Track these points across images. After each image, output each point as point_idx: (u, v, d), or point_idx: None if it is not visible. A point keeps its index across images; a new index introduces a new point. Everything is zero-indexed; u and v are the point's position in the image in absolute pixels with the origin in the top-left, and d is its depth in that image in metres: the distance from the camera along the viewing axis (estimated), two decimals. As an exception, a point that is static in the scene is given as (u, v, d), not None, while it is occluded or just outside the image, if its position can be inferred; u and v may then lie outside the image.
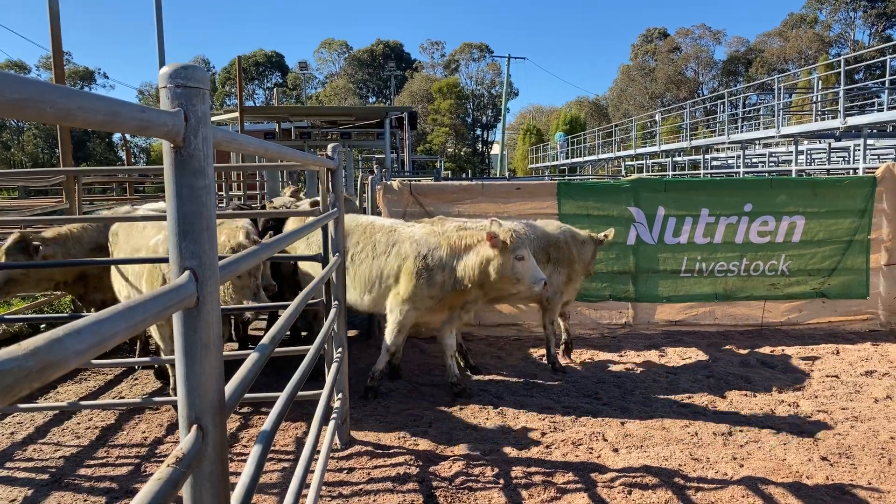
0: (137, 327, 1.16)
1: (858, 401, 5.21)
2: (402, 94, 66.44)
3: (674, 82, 66.34)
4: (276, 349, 4.51)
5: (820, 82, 19.80)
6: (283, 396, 2.62)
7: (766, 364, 6.23)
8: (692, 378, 5.87)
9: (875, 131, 14.34)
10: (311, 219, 4.29)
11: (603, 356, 6.65)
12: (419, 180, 10.65)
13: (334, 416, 4.20)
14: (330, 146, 4.30)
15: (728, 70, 67.04)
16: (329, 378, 4.10)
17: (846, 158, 21.21)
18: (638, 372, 6.08)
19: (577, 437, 4.50)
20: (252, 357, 2.05)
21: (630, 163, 31.99)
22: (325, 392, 3.86)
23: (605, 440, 4.50)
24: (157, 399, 5.11)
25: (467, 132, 70.36)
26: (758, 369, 6.11)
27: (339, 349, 4.35)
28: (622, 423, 4.83)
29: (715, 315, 7.57)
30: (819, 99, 18.35)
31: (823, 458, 4.15)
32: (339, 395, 4.38)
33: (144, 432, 4.69)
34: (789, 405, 5.16)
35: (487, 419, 4.92)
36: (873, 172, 7.78)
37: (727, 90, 24.47)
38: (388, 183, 7.45)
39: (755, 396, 5.37)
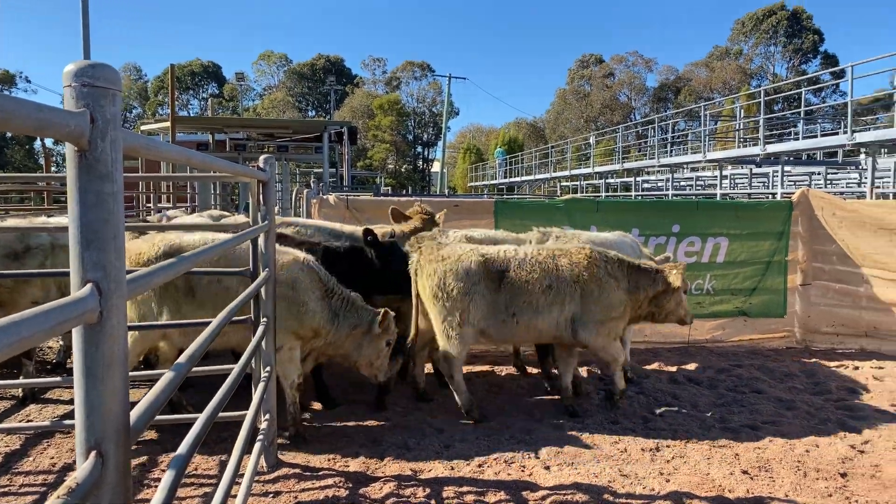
0: (23, 344, 1.05)
1: (780, 416, 5.42)
2: (343, 109, 66.06)
3: (608, 107, 68.67)
4: (205, 368, 4.36)
5: (742, 111, 20.91)
6: (202, 418, 2.49)
7: (692, 381, 6.41)
8: (628, 395, 5.97)
9: (791, 158, 15.24)
10: (223, 236, 4.17)
11: (535, 374, 6.69)
12: (358, 195, 10.56)
13: (261, 437, 4.04)
14: (262, 157, 4.18)
15: (658, 97, 69.97)
16: (255, 398, 3.94)
17: (765, 184, 22.41)
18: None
19: (510, 456, 4.49)
20: (165, 378, 1.93)
21: (565, 183, 32.79)
22: (250, 413, 3.71)
23: (538, 458, 4.51)
24: (67, 422, 4.79)
25: (408, 149, 70.57)
26: (685, 385, 6.28)
27: (268, 367, 4.20)
28: (554, 441, 4.85)
29: (644, 333, 7.76)
30: (742, 127, 19.35)
31: (744, 472, 4.28)
32: (267, 416, 4.21)
33: (53, 458, 4.38)
34: (715, 420, 5.32)
35: (423, 437, 4.85)
36: (790, 197, 8.21)
37: (657, 116, 25.50)
38: (325, 197, 7.34)
39: (682, 412, 5.51)
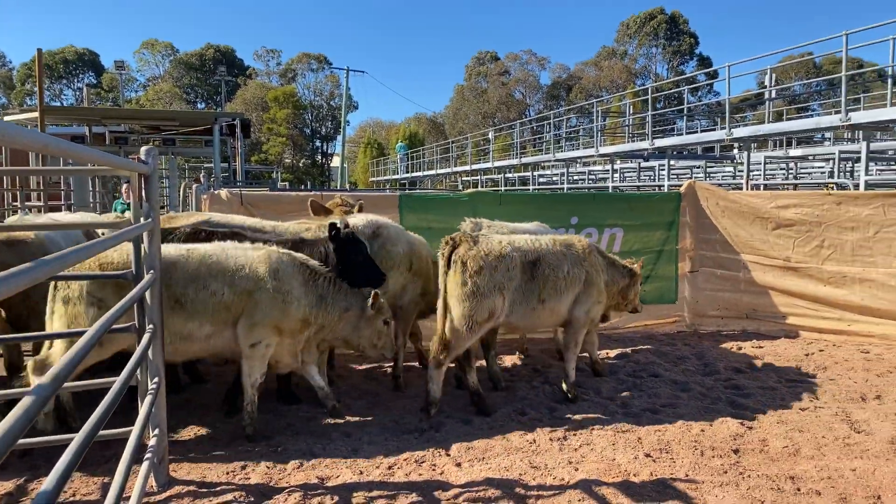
0: None
1: (676, 398, 5.66)
2: (235, 102, 63.25)
3: (504, 103, 70.21)
4: (81, 383, 3.92)
5: (631, 108, 22.00)
6: (77, 440, 2.20)
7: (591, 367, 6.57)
8: (529, 385, 6.03)
9: (676, 153, 16.19)
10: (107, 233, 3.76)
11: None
12: (253, 191, 10.05)
13: (149, 454, 3.69)
14: (144, 149, 3.81)
15: (552, 94, 72.37)
16: (142, 412, 3.59)
17: (651, 177, 23.71)
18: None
19: (420, 455, 4.39)
20: (25, 402, 1.65)
21: (466, 178, 33.17)
22: (136, 428, 3.37)
23: (448, 455, 4.43)
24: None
25: (306, 143, 68.77)
26: (587, 373, 6.43)
27: (155, 379, 3.84)
28: (464, 436, 4.80)
29: (547, 323, 7.90)
30: (630, 123, 20.35)
31: (647, 455, 4.41)
32: (156, 431, 3.86)
33: None
34: (617, 406, 5.47)
35: (329, 442, 4.64)
36: (678, 189, 8.65)
37: (553, 112, 26.30)
38: (216, 193, 6.89)
39: (586, 400, 5.63)
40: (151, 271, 3.78)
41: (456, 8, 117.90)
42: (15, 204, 13.08)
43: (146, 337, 3.71)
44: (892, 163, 18.92)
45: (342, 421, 5.09)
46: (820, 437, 4.69)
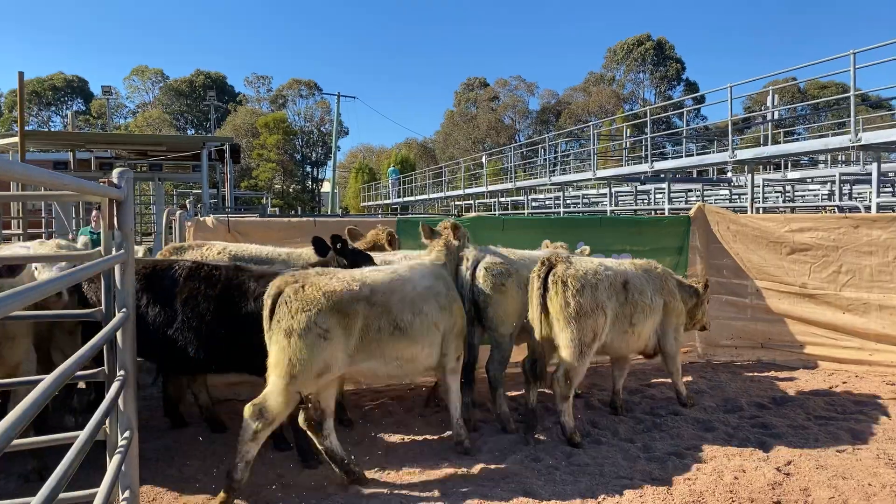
0: None
1: (701, 439, 5.21)
2: (225, 128, 62.99)
3: (494, 128, 70.40)
4: (47, 437, 3.43)
5: (629, 130, 21.86)
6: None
7: (608, 404, 6.13)
8: (541, 426, 5.56)
9: (675, 176, 15.94)
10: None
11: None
12: (242, 217, 9.63)
13: (119, 521, 3.20)
14: (116, 171, 3.37)
15: (541, 119, 72.72)
16: (110, 471, 3.10)
17: (647, 201, 23.48)
18: (487, 426, 5.64)
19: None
20: None
21: (458, 202, 32.87)
22: (101, 492, 2.89)
23: (459, 512, 3.96)
24: None
25: (296, 169, 68.45)
26: (602, 411, 6.00)
27: (127, 432, 3.36)
28: (476, 488, 4.32)
29: (554, 355, 7.46)
30: (627, 146, 20.18)
31: (682, 509, 3.96)
32: (126, 494, 3.37)
33: None
34: (640, 448, 5.02)
35: (324, 499, 4.15)
36: (688, 212, 8.30)
37: (547, 135, 26.16)
38: (201, 219, 6.46)
39: (603, 443, 5.17)
40: (124, 309, 3.33)
41: (445, 35, 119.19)
42: (-8, 232, 12.57)
43: (116, 384, 3.24)
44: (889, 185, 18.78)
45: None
46: (866, 485, 4.26)
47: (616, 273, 5.42)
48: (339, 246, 4.92)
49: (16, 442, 3.11)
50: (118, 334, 3.32)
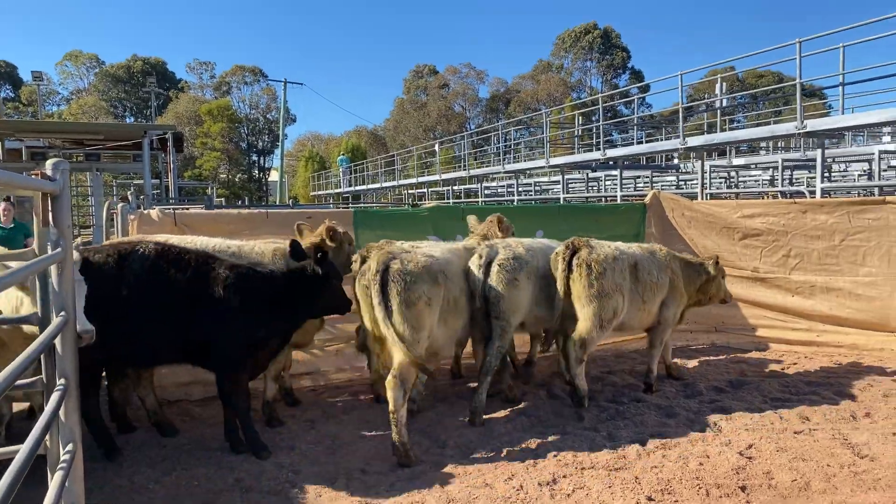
0: None
1: (664, 425, 5.24)
2: (167, 115, 60.66)
3: (445, 116, 70.16)
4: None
5: (581, 118, 22.03)
6: None
7: (569, 394, 6.10)
8: (505, 417, 5.51)
9: (626, 163, 16.15)
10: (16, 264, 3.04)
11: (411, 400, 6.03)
12: (187, 208, 9.22)
13: (63, 542, 2.95)
14: (49, 162, 3.08)
15: (491, 107, 72.87)
16: (52, 488, 2.86)
17: (597, 188, 23.79)
18: (449, 416, 5.55)
19: (396, 514, 3.78)
20: None
21: (411, 191, 32.61)
22: (45, 511, 2.65)
23: (428, 511, 3.85)
24: None
25: (242, 157, 66.65)
26: (565, 399, 5.98)
27: (69, 445, 3.10)
28: (440, 483, 4.23)
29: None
30: (579, 133, 20.33)
31: (649, 499, 3.95)
32: (71, 512, 3.11)
33: None
34: (605, 437, 5.01)
35: (285, 502, 3.97)
36: (643, 199, 8.36)
37: (500, 123, 26.17)
38: (146, 212, 6.11)
39: (568, 433, 5.14)
40: (62, 313, 3.06)
41: (393, 21, 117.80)
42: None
43: (56, 394, 2.98)
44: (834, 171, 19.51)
45: (298, 474, 4.42)
46: (825, 465, 4.34)
47: (628, 255, 5.90)
48: (319, 256, 4.89)
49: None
50: (57, 340, 3.06)
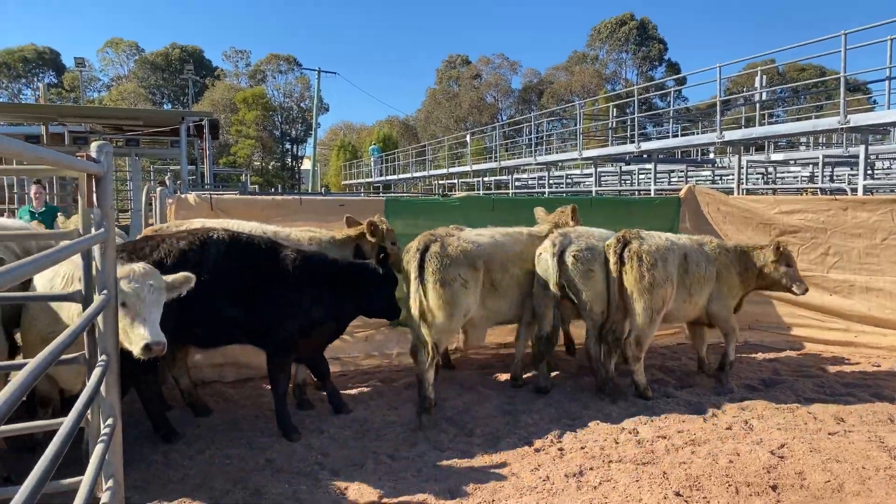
0: None
1: (691, 422, 5.19)
2: (203, 103, 61.57)
3: (476, 107, 69.84)
4: (26, 424, 3.28)
5: (615, 110, 21.73)
6: (21, 494, 1.72)
7: (597, 387, 6.07)
8: (531, 408, 5.51)
9: (661, 156, 15.88)
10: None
11: (441, 388, 6.06)
12: (221, 195, 9.37)
13: (102, 511, 3.06)
14: (94, 144, 3.17)
15: (523, 98, 72.28)
16: (93, 460, 2.96)
17: (630, 181, 23.48)
18: (476, 405, 5.57)
19: (421, 499, 3.82)
20: None
21: (441, 182, 32.63)
22: (85, 481, 2.75)
23: (453, 498, 3.88)
24: None
25: (275, 145, 67.41)
26: (591, 394, 5.95)
27: (109, 419, 3.20)
28: (467, 472, 4.25)
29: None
30: (613, 126, 20.06)
31: (677, 494, 3.92)
32: (110, 483, 3.22)
33: None
34: (630, 433, 4.98)
35: (316, 483, 4.05)
36: (677, 193, 8.24)
37: (532, 114, 25.96)
38: (183, 196, 6.23)
39: (597, 426, 5.13)
40: (105, 291, 3.16)
41: (427, 11, 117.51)
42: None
43: (98, 370, 3.08)
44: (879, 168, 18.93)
45: (327, 457, 4.50)
46: (860, 468, 4.25)
47: (678, 247, 5.97)
48: (381, 257, 5.25)
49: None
50: (99, 318, 3.15)
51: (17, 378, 1.92)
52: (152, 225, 6.31)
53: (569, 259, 5.68)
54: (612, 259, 5.69)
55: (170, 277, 3.70)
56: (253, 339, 4.92)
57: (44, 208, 8.56)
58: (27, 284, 3.96)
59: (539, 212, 6.84)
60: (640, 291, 5.62)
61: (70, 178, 14.70)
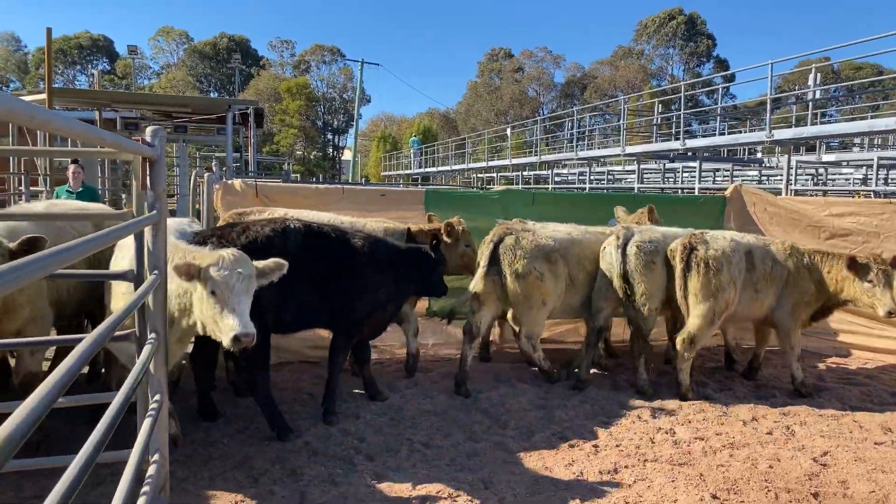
0: None
1: (730, 425, 5.10)
2: (248, 92, 62.64)
3: (517, 101, 69.31)
4: (70, 397, 3.42)
5: (661, 106, 21.32)
6: (75, 464, 1.71)
7: (634, 386, 6.01)
8: (566, 403, 5.49)
9: (706, 154, 15.53)
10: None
11: (476, 380, 6.09)
12: (267, 182, 9.54)
13: (147, 485, 3.17)
14: (149, 129, 3.27)
15: (566, 93, 71.43)
16: (141, 435, 3.07)
17: (673, 179, 23.04)
18: (510, 399, 5.57)
19: (455, 491, 3.85)
20: (25, 407, 1.28)
21: (480, 175, 32.55)
22: (134, 454, 2.85)
23: (487, 490, 3.90)
24: None
25: (318, 135, 68.22)
26: (627, 392, 5.89)
27: (157, 396, 3.32)
28: (502, 465, 4.26)
29: (580, 332, 7.33)
30: (658, 122, 19.69)
31: (714, 497, 3.86)
32: (156, 457, 3.34)
33: None
34: (666, 433, 4.92)
35: (351, 467, 4.12)
36: (723, 192, 8.05)
37: (574, 108, 25.65)
38: (229, 182, 6.38)
39: (633, 424, 5.08)
40: (156, 272, 3.26)
41: (470, 3, 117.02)
42: (20, 189, 12.63)
43: (148, 348, 3.19)
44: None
45: (363, 442, 4.56)
46: (908, 479, 4.12)
47: (742, 244, 5.86)
48: (434, 242, 5.31)
49: (60, 400, 3.11)
50: (149, 297, 3.26)
51: (74, 352, 2.01)
52: (198, 209, 6.47)
53: (631, 250, 5.76)
54: (679, 265, 5.68)
55: (261, 264, 3.58)
56: (326, 323, 5.07)
57: (81, 188, 8.36)
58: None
59: (619, 211, 7.03)
60: (706, 296, 5.59)
61: (121, 162, 15.16)
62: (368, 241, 5.03)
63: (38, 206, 5.45)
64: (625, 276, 5.77)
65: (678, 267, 5.68)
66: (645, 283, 5.75)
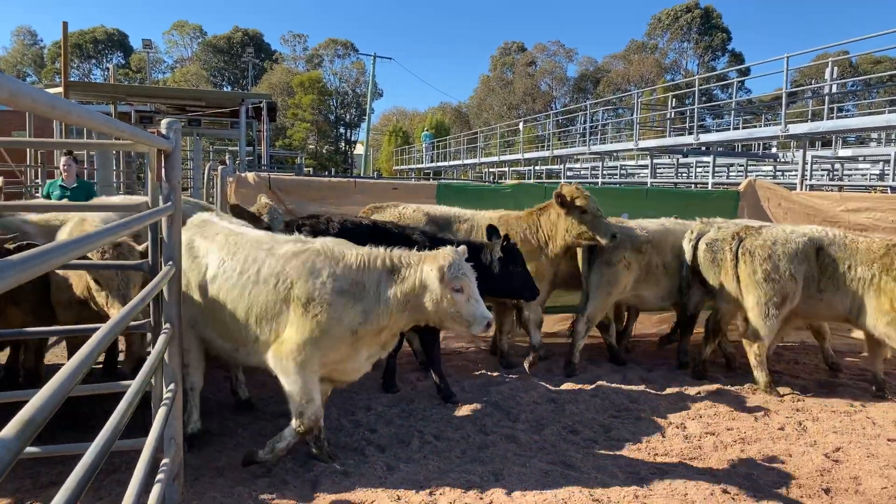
0: None
1: (741, 420, 5.08)
2: (261, 86, 62.99)
3: (530, 95, 69.02)
4: (86, 385, 3.47)
5: (674, 101, 21.16)
6: (91, 451, 1.79)
7: (648, 381, 6.01)
8: (577, 398, 5.49)
9: (720, 149, 15.42)
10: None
11: (488, 373, 6.11)
12: (280, 175, 9.59)
13: (163, 470, 3.23)
14: (164, 121, 3.32)
15: (579, 87, 71.03)
16: (156, 423, 3.12)
17: (687, 174, 22.87)
18: (521, 392, 5.58)
19: (467, 481, 3.87)
20: (42, 394, 1.32)
21: (492, 169, 32.50)
22: (149, 442, 2.91)
23: (497, 481, 3.91)
24: None
25: (330, 129, 68.39)
26: (637, 386, 5.88)
27: (171, 385, 3.37)
28: (513, 457, 4.28)
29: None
30: (672, 116, 19.54)
31: (724, 492, 3.84)
32: (171, 445, 3.39)
33: None
34: (677, 427, 4.91)
35: (363, 459, 4.15)
36: (736, 187, 8.00)
37: (587, 103, 25.53)
38: (243, 175, 6.43)
39: (643, 418, 5.08)
40: (170, 262, 3.30)
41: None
42: (37, 181, 12.79)
43: (163, 337, 3.24)
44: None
45: (374, 433, 4.60)
46: (921, 476, 4.09)
47: (811, 238, 5.59)
48: (505, 241, 5.32)
49: (78, 388, 3.16)
50: (164, 288, 3.30)
51: (90, 342, 2.04)
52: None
53: (701, 246, 5.98)
54: (729, 256, 5.75)
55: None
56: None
57: (76, 184, 7.59)
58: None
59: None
60: (753, 285, 5.58)
61: (135, 155, 15.28)
62: (430, 238, 5.12)
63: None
64: (697, 271, 6.08)
65: (727, 259, 5.79)
66: (712, 280, 6.02)
